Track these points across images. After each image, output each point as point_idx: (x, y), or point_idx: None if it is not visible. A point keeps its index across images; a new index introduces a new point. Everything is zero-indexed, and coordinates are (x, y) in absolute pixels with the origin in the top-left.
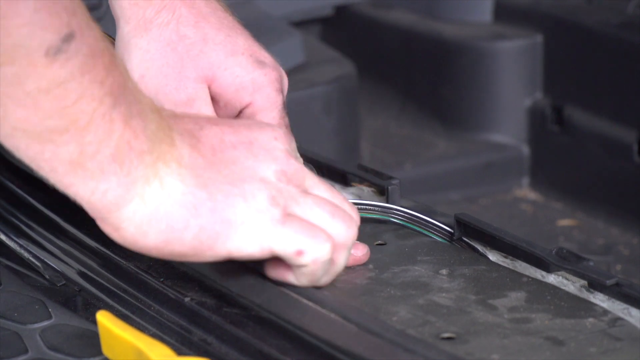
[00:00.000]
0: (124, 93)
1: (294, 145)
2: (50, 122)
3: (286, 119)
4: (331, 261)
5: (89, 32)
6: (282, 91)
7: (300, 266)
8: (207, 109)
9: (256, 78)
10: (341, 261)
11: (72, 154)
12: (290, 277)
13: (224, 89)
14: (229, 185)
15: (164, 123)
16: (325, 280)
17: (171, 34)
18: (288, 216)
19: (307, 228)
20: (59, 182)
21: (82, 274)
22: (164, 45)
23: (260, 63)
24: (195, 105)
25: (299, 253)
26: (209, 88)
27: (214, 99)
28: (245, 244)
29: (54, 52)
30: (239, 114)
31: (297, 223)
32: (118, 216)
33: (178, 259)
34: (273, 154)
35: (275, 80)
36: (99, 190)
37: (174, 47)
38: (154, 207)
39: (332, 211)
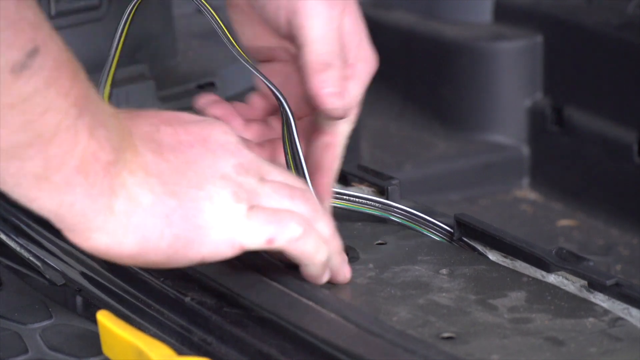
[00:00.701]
0: (88, 103)
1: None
2: (15, 137)
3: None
4: (318, 236)
5: (53, 45)
6: None
7: (289, 254)
8: None
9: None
10: (325, 231)
11: (37, 168)
12: (303, 272)
13: None
14: (195, 189)
15: (125, 129)
16: (334, 262)
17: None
18: (252, 209)
19: (270, 215)
20: (23, 196)
21: (82, 274)
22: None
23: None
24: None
25: (270, 241)
26: None
27: None
28: (217, 246)
29: (19, 68)
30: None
31: (262, 213)
32: (88, 227)
33: (151, 266)
34: (228, 148)
35: None
36: (66, 202)
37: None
38: (125, 217)
39: (290, 193)
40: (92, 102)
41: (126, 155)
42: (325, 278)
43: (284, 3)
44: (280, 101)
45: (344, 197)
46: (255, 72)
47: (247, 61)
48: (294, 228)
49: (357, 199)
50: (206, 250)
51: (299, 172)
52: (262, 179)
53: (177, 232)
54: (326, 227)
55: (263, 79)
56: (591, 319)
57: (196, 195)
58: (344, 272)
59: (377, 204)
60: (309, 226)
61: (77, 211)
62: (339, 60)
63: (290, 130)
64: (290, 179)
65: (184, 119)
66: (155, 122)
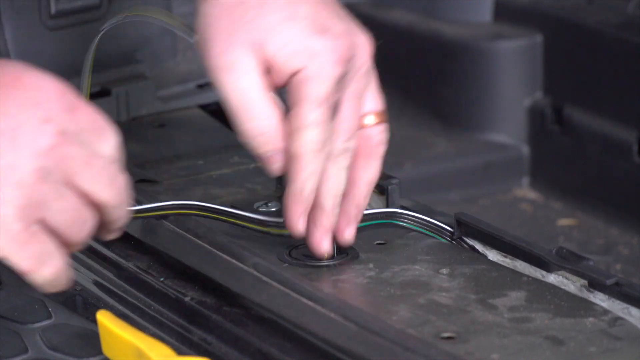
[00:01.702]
0: None
1: (96, 122)
2: None
3: (339, 95)
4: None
5: None
6: (347, 62)
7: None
8: (249, 76)
9: (312, 45)
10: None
11: None
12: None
13: (274, 54)
14: None
15: None
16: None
17: (229, 0)
18: (30, 228)
19: (38, 247)
20: None
21: (81, 274)
22: (222, 10)
23: (323, 29)
24: (234, 69)
25: (27, 273)
26: (261, 53)
27: (268, 65)
28: None
29: None
30: (288, 81)
31: (32, 239)
32: None
33: None
34: (38, 143)
35: (339, 49)
36: None
37: (231, 11)
38: None
39: (75, 215)
40: None
41: None
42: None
43: None
44: None
45: None
46: None
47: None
48: (45, 272)
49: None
50: None
51: None
52: (70, 183)
53: None
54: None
55: None
56: (591, 319)
57: None
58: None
59: (380, 215)
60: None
61: None
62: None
63: None
64: (101, 184)
65: (9, 93)
66: None
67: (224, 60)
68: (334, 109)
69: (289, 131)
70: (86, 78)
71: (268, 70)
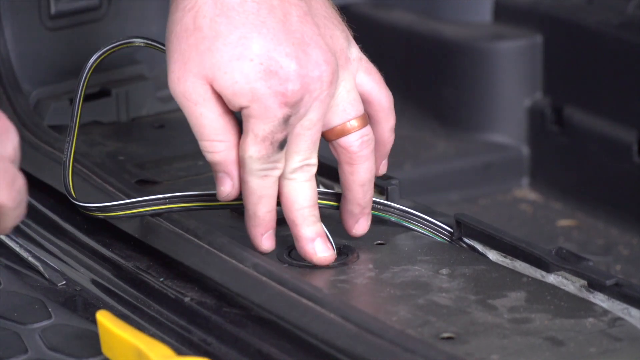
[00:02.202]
0: None
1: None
2: None
3: (287, 131)
4: None
5: None
6: (293, 104)
7: None
8: (203, 105)
9: (257, 88)
10: None
11: None
12: None
13: (222, 91)
14: None
15: None
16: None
17: (189, 22)
18: None
19: None
20: None
21: (81, 274)
22: (181, 30)
23: (270, 73)
24: (190, 98)
25: None
26: (212, 86)
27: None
28: None
29: None
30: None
31: None
32: None
33: None
34: None
35: (284, 94)
36: None
37: (188, 35)
38: None
39: None
40: None
41: None
42: None
43: None
44: None
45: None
46: None
47: None
48: None
49: None
50: None
51: None
52: None
53: None
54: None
55: None
56: (591, 319)
57: None
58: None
59: (378, 205)
60: None
61: None
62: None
63: None
64: None
65: None
66: None
67: (181, 87)
68: (281, 142)
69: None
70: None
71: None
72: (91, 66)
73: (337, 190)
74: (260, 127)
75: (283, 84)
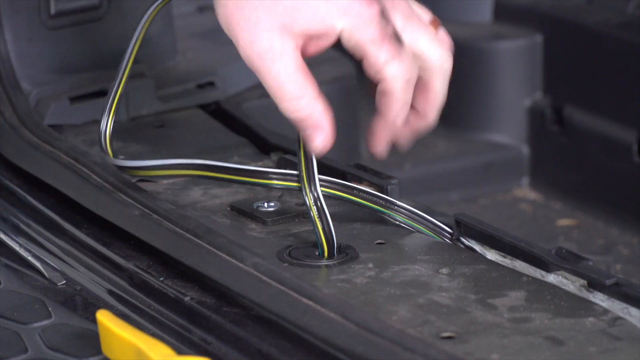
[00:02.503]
0: None
1: None
2: None
3: (391, 28)
4: None
5: None
6: (379, 1)
7: None
8: (280, 61)
9: (340, 2)
10: None
11: None
12: None
13: (307, 28)
14: None
15: None
16: None
17: None
18: None
19: None
20: None
21: (81, 274)
22: None
23: None
24: (268, 57)
25: None
26: (292, 33)
27: (305, 39)
28: None
29: None
30: (335, 46)
31: None
32: None
33: None
34: None
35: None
36: None
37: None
38: None
39: None
40: None
41: None
42: None
43: None
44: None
45: (346, 189)
46: None
47: None
48: None
49: (360, 192)
50: None
51: (310, 182)
52: None
53: None
54: None
55: None
56: (591, 319)
57: None
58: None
59: (380, 200)
60: None
61: None
62: None
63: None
64: None
65: None
66: None
67: (255, 49)
68: (396, 34)
69: (373, 77)
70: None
71: (308, 41)
72: (152, 11)
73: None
74: (369, 32)
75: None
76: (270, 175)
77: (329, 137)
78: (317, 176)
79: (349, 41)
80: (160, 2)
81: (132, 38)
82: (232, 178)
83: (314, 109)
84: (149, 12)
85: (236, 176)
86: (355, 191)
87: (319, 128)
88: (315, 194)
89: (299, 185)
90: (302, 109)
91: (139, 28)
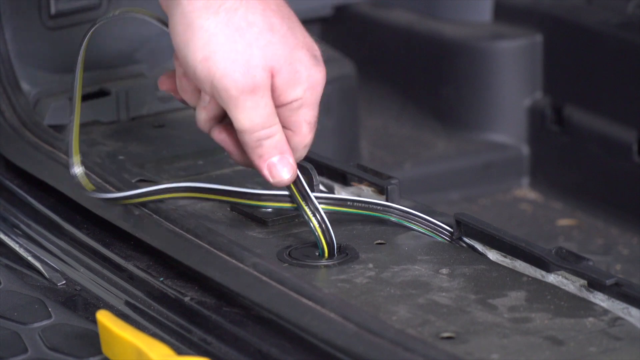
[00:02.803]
0: None
1: None
2: None
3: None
4: None
5: None
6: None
7: None
8: (268, 98)
9: (312, 75)
10: None
11: None
12: None
13: (283, 82)
14: None
15: None
16: None
17: (240, 21)
18: None
19: None
20: None
21: (81, 274)
22: (232, 31)
23: (316, 59)
24: (258, 92)
25: None
26: (273, 79)
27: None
28: None
29: None
30: (285, 105)
31: None
32: None
33: None
34: None
35: (324, 78)
36: None
37: (242, 33)
38: None
39: None
40: None
41: None
42: None
43: None
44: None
45: (344, 202)
46: None
47: None
48: None
49: (355, 203)
50: None
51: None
52: None
53: None
54: None
55: None
56: (591, 319)
57: None
58: None
59: (377, 207)
60: None
61: None
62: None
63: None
64: None
65: None
66: None
67: (248, 81)
68: None
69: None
70: (77, 78)
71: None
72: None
73: (339, 193)
74: (310, 114)
75: (323, 70)
76: (263, 197)
77: (295, 169)
78: (310, 192)
79: (296, 108)
80: (101, 21)
81: (77, 61)
82: (224, 199)
83: (282, 136)
84: (88, 34)
85: (229, 197)
86: (349, 202)
87: (286, 157)
88: (312, 207)
89: (293, 205)
90: (274, 136)
91: (80, 52)
